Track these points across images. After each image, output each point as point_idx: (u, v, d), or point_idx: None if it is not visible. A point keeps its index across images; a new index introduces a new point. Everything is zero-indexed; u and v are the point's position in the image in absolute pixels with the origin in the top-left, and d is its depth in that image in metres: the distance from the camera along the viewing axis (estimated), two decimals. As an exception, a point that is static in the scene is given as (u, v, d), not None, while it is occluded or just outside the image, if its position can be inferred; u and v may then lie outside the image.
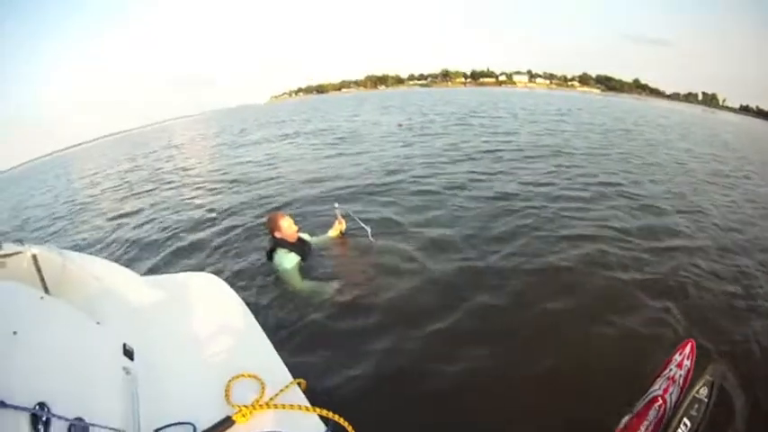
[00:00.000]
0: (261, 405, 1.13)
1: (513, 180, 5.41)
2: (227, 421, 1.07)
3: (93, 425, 0.91)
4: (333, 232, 3.37)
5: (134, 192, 7.44)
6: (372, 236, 3.30)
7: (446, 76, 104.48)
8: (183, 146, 15.88)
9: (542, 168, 6.14)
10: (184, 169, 9.02)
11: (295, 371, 1.33)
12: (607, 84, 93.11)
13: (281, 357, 1.39)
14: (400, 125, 12.71)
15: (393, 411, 1.74)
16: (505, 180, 5.42)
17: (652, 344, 2.10)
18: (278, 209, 4.47)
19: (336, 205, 3.38)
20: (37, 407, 0.83)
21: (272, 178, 6.46)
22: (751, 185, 6.31)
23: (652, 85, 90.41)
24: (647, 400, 1.50)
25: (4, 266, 1.51)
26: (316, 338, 2.20)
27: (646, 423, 1.38)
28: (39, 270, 1.56)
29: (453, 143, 8.63)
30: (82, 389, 1.02)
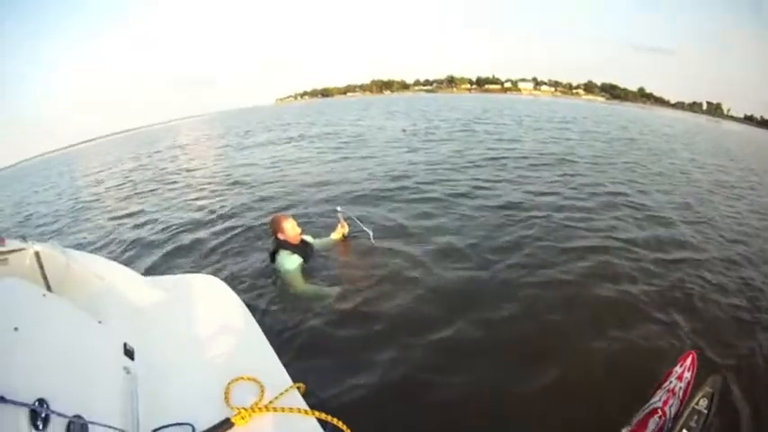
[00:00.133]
0: (260, 408, 1.12)
1: (517, 188, 5.38)
2: (226, 423, 1.07)
3: (92, 423, 0.91)
4: (335, 235, 3.38)
5: (138, 191, 7.47)
6: (374, 239, 3.31)
7: (451, 82, 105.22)
8: (188, 146, 15.99)
9: (547, 177, 6.11)
10: (188, 170, 9.07)
11: (294, 374, 1.32)
12: (612, 92, 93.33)
13: (281, 360, 1.39)
14: (404, 130, 12.75)
15: (393, 418, 1.72)
16: (510, 188, 5.39)
17: (656, 356, 2.08)
18: (281, 211, 4.48)
19: (339, 209, 3.40)
20: (36, 403, 0.83)
21: (275, 180, 6.48)
22: (756, 196, 6.27)
23: (656, 93, 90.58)
24: (646, 411, 1.50)
25: (7, 263, 1.52)
26: (316, 342, 2.19)
27: (646, 435, 1.37)
28: (41, 267, 1.57)
29: (458, 150, 8.63)
30: (82, 387, 1.02)
